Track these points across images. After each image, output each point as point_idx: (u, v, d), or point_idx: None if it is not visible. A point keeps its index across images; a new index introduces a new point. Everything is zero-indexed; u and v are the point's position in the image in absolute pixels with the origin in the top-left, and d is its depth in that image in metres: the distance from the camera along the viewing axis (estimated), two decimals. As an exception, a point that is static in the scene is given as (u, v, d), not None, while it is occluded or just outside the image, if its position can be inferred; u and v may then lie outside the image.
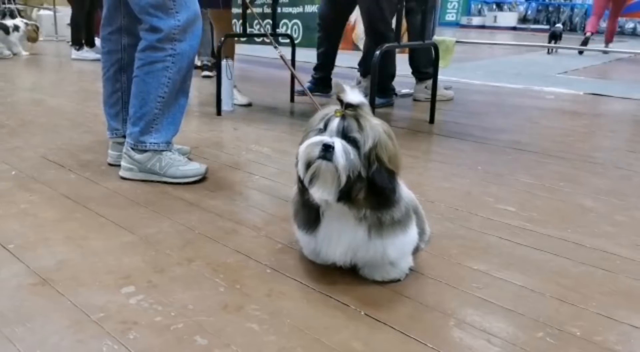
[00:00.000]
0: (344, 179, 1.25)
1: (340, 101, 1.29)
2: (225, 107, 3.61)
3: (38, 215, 1.84)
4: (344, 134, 1.26)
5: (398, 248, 1.38)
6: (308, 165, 1.28)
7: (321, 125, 1.29)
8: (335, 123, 1.27)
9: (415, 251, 1.53)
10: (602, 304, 1.38)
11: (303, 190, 1.34)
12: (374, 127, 1.28)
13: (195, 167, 2.21)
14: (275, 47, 2.17)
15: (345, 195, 1.28)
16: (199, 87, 4.74)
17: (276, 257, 1.58)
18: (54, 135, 2.89)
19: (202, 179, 2.21)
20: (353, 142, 1.26)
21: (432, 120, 3.44)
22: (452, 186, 2.25)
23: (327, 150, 1.24)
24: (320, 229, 1.39)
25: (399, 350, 1.18)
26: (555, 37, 9.05)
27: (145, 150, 2.17)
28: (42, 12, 9.44)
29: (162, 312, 1.29)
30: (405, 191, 1.49)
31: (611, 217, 1.95)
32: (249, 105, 3.83)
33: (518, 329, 1.26)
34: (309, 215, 1.39)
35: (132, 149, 2.17)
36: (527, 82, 5.31)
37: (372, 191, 1.29)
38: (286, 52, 4.03)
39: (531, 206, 2.02)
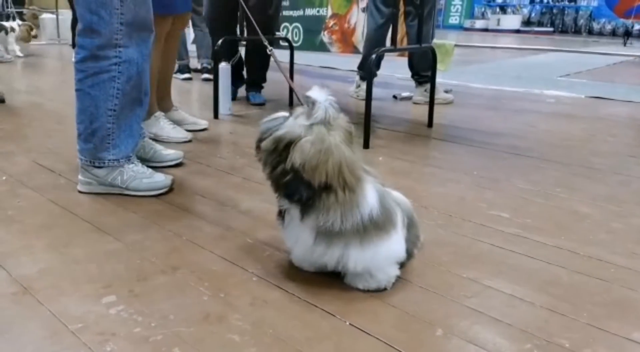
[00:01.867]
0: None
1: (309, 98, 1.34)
2: (222, 110, 3.59)
3: (24, 221, 1.81)
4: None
5: (356, 260, 1.36)
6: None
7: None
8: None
9: (409, 257, 1.50)
10: (594, 315, 1.34)
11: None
12: (306, 129, 1.31)
13: (160, 180, 2.09)
14: (266, 47, 2.14)
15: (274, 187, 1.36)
16: (199, 90, 4.73)
17: (263, 265, 1.56)
18: (48, 139, 2.87)
19: (169, 190, 2.12)
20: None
21: (430, 124, 3.41)
22: (447, 192, 2.21)
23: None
24: (285, 224, 1.43)
25: (382, 362, 1.15)
26: (628, 34, 11.52)
27: (103, 167, 2.05)
28: (44, 15, 9.47)
29: (142, 323, 1.26)
30: (394, 194, 1.47)
31: (607, 224, 1.91)
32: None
33: (505, 340, 1.23)
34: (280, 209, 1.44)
35: (89, 165, 2.05)
36: (527, 85, 5.27)
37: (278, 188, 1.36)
38: (285, 55, 4.04)
39: (526, 212, 1.99)
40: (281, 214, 1.43)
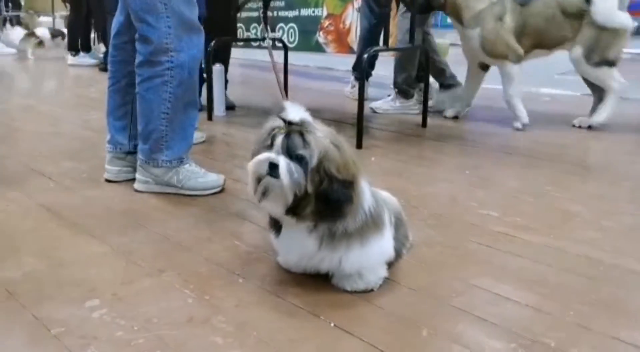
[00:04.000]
0: (290, 198, 1.25)
1: (283, 119, 1.27)
2: (216, 112, 3.59)
3: (12, 225, 1.81)
4: (290, 152, 1.25)
5: (353, 261, 1.35)
6: (258, 181, 1.28)
7: (268, 141, 1.27)
8: (279, 141, 1.26)
9: (397, 257, 1.50)
10: (581, 313, 1.34)
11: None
12: (319, 141, 1.25)
13: (213, 179, 2.14)
14: (264, 39, 2.14)
15: (292, 210, 1.28)
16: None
17: (250, 267, 1.55)
18: (39, 142, 2.87)
19: (221, 190, 2.15)
20: (299, 159, 1.24)
21: (424, 124, 3.40)
22: (438, 191, 2.21)
23: (273, 168, 1.24)
24: (281, 234, 1.39)
25: (364, 364, 1.15)
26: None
27: (159, 167, 2.10)
28: (41, 18, 9.50)
29: (124, 327, 1.25)
30: (383, 194, 1.46)
31: (597, 222, 1.90)
32: None
33: (489, 339, 1.22)
34: (274, 219, 1.39)
35: (147, 164, 2.10)
36: (523, 83, 5.25)
37: (323, 204, 1.27)
38: (279, 56, 4.03)
39: (516, 211, 1.98)
40: (275, 224, 1.40)
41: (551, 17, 3.16)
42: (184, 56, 2.02)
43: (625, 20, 3.22)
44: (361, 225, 1.32)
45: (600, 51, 3.25)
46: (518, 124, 3.33)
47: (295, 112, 1.26)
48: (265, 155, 1.26)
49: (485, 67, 3.54)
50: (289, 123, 1.26)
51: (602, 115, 3.37)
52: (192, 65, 2.06)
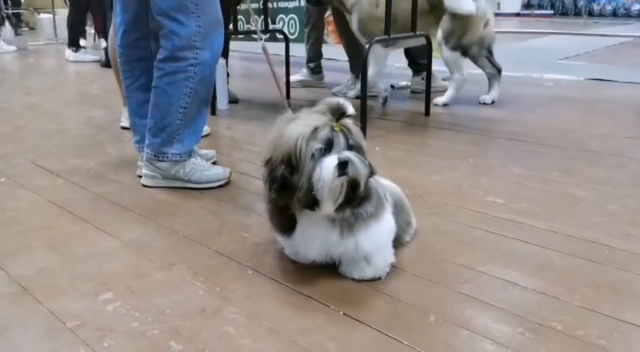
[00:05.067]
0: (363, 187, 1.29)
1: (340, 114, 1.29)
2: (220, 106, 3.60)
3: (23, 222, 1.83)
4: (349, 145, 1.29)
5: (371, 240, 1.38)
6: (335, 188, 1.28)
7: (320, 145, 1.27)
8: (340, 138, 1.28)
9: (398, 243, 1.52)
10: (587, 297, 1.35)
11: (278, 200, 1.34)
12: (353, 126, 1.31)
13: (219, 172, 2.17)
14: (260, 39, 2.15)
15: (348, 201, 1.31)
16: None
17: (258, 259, 1.57)
18: (45, 140, 2.89)
19: (227, 183, 2.17)
20: (357, 149, 1.30)
21: (427, 113, 3.41)
22: (443, 180, 2.22)
23: (344, 167, 1.26)
24: (296, 232, 1.40)
25: (375, 349, 1.17)
26: None
27: (167, 161, 2.12)
28: (42, 15, 9.50)
29: (139, 318, 1.28)
30: (383, 182, 1.49)
31: (603, 206, 1.92)
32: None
33: (497, 324, 1.24)
34: (284, 220, 1.40)
35: (154, 158, 2.12)
36: (527, 69, 5.25)
37: (356, 189, 1.30)
38: (281, 48, 4.03)
39: (521, 198, 2.00)
40: (287, 225, 1.40)
41: (418, 4, 3.26)
42: (207, 53, 2.05)
43: (468, 7, 3.43)
44: (376, 205, 1.36)
45: (456, 37, 3.50)
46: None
47: (349, 105, 1.31)
48: (332, 161, 1.25)
49: None
50: (339, 116, 1.29)
51: (443, 99, 3.68)
52: (214, 62, 2.10)
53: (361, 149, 1.31)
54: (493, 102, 3.74)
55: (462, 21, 3.46)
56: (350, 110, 1.31)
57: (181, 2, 1.97)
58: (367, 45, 2.87)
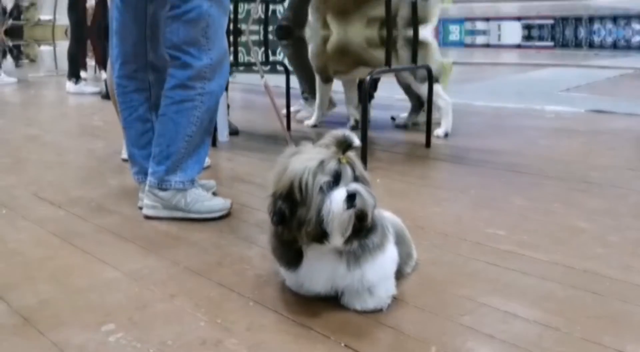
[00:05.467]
0: (371, 218, 1.31)
1: (347, 146, 1.32)
2: (220, 137, 3.62)
3: (25, 253, 1.85)
4: (355, 176, 1.32)
5: (377, 271, 1.39)
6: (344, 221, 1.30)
7: (328, 178, 1.28)
8: (347, 170, 1.30)
9: (399, 275, 1.52)
10: (588, 328, 1.35)
11: (284, 234, 1.35)
12: (356, 158, 1.34)
13: (220, 202, 2.18)
14: (262, 77, 2.19)
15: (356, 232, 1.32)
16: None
17: (260, 290, 1.57)
18: (46, 171, 2.91)
19: (228, 214, 2.18)
20: (362, 180, 1.32)
21: (428, 144, 3.43)
22: (444, 211, 2.23)
23: (352, 199, 1.27)
24: (302, 266, 1.40)
25: (376, 383, 1.16)
26: None
27: (169, 189, 2.12)
28: (42, 47, 9.62)
29: (140, 350, 1.28)
30: (385, 214, 1.50)
31: (604, 238, 1.92)
32: None
33: (499, 358, 1.24)
34: (289, 253, 1.40)
35: (156, 187, 2.13)
36: (528, 101, 5.29)
37: (364, 220, 1.32)
38: (282, 80, 4.08)
39: (522, 229, 2.00)
40: (293, 259, 1.41)
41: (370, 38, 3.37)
42: (215, 85, 2.10)
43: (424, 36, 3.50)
44: (380, 235, 1.38)
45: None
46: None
47: (352, 136, 1.34)
48: (341, 193, 1.27)
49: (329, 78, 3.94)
50: (345, 149, 1.32)
51: (442, 129, 3.67)
52: (220, 92, 2.15)
53: (366, 180, 1.34)
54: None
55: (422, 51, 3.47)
56: (357, 142, 1.33)
57: (193, 36, 2.02)
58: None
